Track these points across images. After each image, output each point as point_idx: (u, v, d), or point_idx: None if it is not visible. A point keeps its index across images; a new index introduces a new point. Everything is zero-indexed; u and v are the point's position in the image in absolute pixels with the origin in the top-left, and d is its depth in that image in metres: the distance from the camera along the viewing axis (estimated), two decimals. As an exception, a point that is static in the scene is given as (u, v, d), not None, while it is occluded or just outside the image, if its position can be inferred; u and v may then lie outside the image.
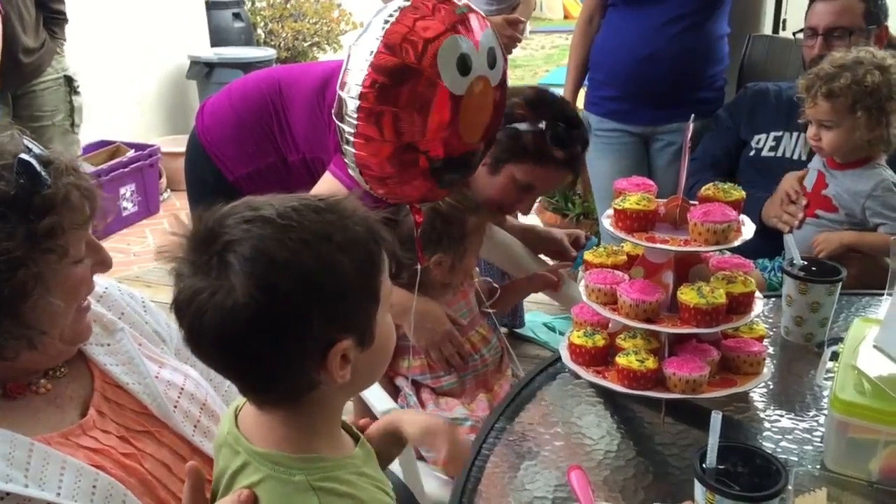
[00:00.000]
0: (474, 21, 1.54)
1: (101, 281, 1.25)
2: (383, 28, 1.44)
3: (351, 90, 1.46)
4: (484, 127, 1.55)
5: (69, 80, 3.30)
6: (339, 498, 0.83)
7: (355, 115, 1.44)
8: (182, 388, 1.15)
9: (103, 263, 1.06)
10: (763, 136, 2.24)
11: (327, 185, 1.66)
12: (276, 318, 0.79)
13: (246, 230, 0.80)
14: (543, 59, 8.60)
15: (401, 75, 1.43)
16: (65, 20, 3.24)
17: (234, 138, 1.80)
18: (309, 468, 0.84)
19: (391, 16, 1.46)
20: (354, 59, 1.47)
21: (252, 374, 0.84)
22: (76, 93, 3.34)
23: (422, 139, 1.46)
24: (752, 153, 2.26)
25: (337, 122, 1.49)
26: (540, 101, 1.78)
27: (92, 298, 1.18)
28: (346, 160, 1.50)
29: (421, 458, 1.65)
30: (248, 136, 1.78)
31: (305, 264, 0.79)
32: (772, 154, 2.21)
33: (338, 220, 0.83)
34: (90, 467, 0.98)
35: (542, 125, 1.73)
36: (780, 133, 2.19)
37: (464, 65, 1.48)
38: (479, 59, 1.50)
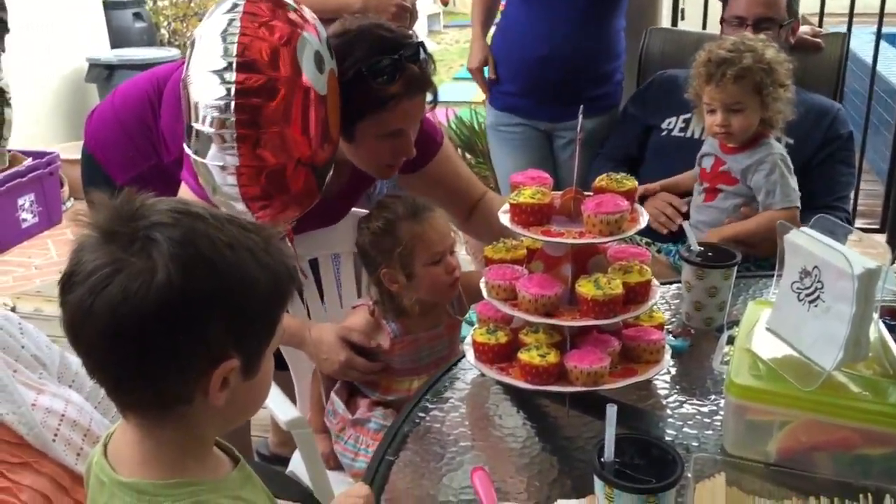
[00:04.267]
0: (306, 13, 1.43)
1: (-27, 305, 1.17)
2: (230, 44, 1.32)
3: (216, 121, 1.31)
4: (339, 118, 1.48)
5: (1, 93, 3.12)
6: None
7: (234, 147, 1.32)
8: (63, 415, 1.08)
9: None
10: (673, 118, 2.28)
11: (185, 195, 1.47)
12: (184, 310, 0.76)
13: (176, 218, 0.79)
14: (458, 53, 8.59)
15: (271, 91, 1.31)
16: (5, 29, 3.04)
17: (116, 142, 1.69)
18: (176, 494, 0.80)
19: (232, 28, 1.33)
20: (204, 86, 1.33)
21: (128, 368, 0.78)
22: (8, 105, 3.16)
23: (308, 150, 1.38)
24: (662, 133, 2.29)
25: (199, 159, 1.36)
26: (343, 46, 1.50)
27: (-39, 324, 1.11)
28: (217, 199, 1.38)
29: (332, 467, 1.62)
30: (128, 138, 1.67)
31: (227, 267, 0.79)
32: (681, 135, 2.24)
33: (262, 242, 0.83)
34: (-42, 507, 0.92)
35: (355, 70, 1.49)
36: (688, 115, 2.22)
37: (320, 61, 1.39)
38: (325, 52, 1.42)
